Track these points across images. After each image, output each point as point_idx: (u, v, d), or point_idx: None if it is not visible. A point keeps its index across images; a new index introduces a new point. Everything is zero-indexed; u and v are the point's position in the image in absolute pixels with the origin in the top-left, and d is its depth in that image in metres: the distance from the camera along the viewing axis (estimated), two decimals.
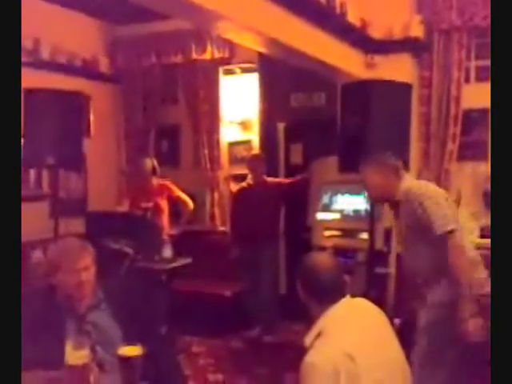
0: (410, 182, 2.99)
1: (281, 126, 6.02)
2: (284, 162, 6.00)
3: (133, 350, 1.88)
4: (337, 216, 5.00)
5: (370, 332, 2.12)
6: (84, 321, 2.23)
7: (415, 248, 2.92)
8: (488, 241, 4.76)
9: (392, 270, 4.38)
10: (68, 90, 4.00)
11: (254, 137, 6.04)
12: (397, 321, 3.86)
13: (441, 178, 5.00)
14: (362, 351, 1.97)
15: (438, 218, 2.72)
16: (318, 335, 2.06)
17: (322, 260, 2.23)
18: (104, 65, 6.20)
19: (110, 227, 4.55)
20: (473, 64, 5.10)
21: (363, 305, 2.24)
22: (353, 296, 2.22)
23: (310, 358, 1.98)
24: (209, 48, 5.93)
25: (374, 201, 3.34)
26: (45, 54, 5.36)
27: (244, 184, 5.38)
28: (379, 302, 2.74)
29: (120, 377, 1.90)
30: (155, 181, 5.33)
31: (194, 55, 5.98)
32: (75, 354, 1.82)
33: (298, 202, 5.47)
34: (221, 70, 6.09)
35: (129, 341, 1.98)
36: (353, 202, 4.96)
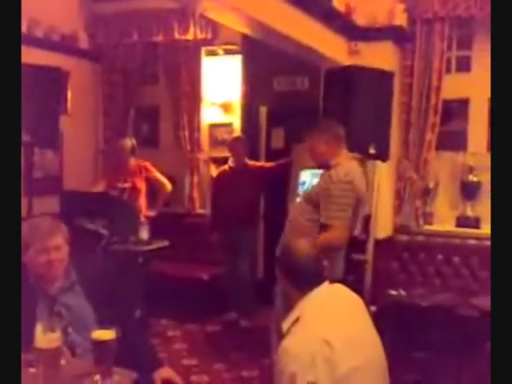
0: (341, 160, 3.27)
1: (263, 110, 5.98)
2: (265, 146, 5.97)
3: (106, 334, 1.85)
4: None
5: (348, 318, 2.13)
6: (56, 302, 2.19)
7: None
8: (463, 230, 4.87)
9: (369, 256, 4.40)
10: (45, 65, 3.91)
11: (235, 119, 5.99)
12: (373, 307, 3.90)
13: (419, 167, 5.04)
14: (339, 337, 1.97)
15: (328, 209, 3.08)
16: (296, 321, 2.06)
17: (302, 246, 2.22)
18: (83, 41, 6.07)
19: (86, 207, 4.48)
20: (454, 54, 5.10)
21: (341, 291, 2.24)
22: (331, 282, 2.22)
23: (287, 343, 1.98)
24: (191, 28, 5.82)
25: (316, 167, 3.50)
26: (22, 28, 5.22)
27: (225, 167, 5.34)
28: (356, 288, 2.77)
29: (93, 361, 1.87)
30: (133, 161, 5.26)
31: (177, 35, 5.86)
32: (46, 337, 1.78)
33: (279, 186, 5.45)
34: (203, 50, 6.00)
35: (102, 324, 1.95)
36: None
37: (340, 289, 2.25)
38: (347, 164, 3.30)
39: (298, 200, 3.47)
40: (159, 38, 5.97)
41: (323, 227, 3.19)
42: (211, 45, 5.94)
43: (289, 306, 2.16)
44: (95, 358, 1.86)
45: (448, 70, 5.05)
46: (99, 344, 1.85)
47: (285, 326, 2.10)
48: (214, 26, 5.74)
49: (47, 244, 2.17)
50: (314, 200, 3.25)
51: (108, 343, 1.84)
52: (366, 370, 2.01)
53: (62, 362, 1.85)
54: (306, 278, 2.14)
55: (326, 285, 2.18)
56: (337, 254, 3.21)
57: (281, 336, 2.09)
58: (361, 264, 4.27)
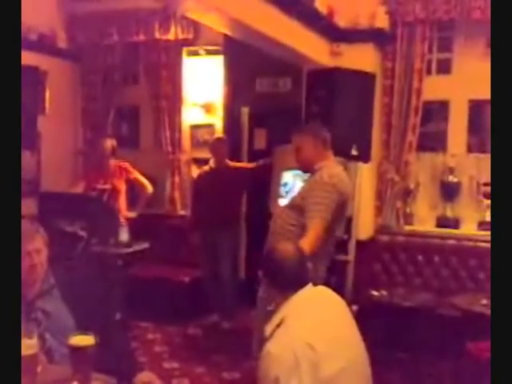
0: (327, 163, 3.23)
1: (245, 111, 5.95)
2: (247, 147, 5.95)
3: (85, 340, 1.81)
4: None
5: (331, 321, 2.12)
6: (33, 308, 2.14)
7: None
8: (443, 230, 4.90)
9: (351, 257, 4.42)
10: (23, 64, 3.84)
11: (217, 120, 5.95)
12: (354, 307, 3.91)
13: (400, 168, 5.06)
14: (323, 340, 1.97)
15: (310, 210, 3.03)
16: (279, 324, 2.04)
17: (285, 248, 2.21)
18: (62, 40, 6.00)
19: (64, 209, 4.42)
20: (435, 56, 5.14)
21: (324, 293, 2.24)
22: (314, 284, 2.21)
23: (271, 347, 1.96)
24: (173, 28, 5.79)
25: (300, 169, 3.42)
26: None
27: (206, 168, 5.30)
28: (339, 288, 2.77)
29: (71, 367, 1.83)
30: (113, 162, 5.21)
31: (157, 35, 5.83)
32: (22, 344, 1.73)
33: (260, 187, 5.43)
34: (184, 50, 5.96)
35: (81, 328, 1.91)
36: None
37: (323, 291, 2.25)
38: (332, 167, 3.27)
39: (282, 206, 3.41)
40: (140, 38, 5.92)
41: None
42: (193, 45, 5.90)
43: (271, 310, 2.14)
44: (73, 365, 1.82)
45: (429, 72, 5.09)
46: (77, 350, 1.80)
47: (268, 329, 2.08)
48: (195, 27, 5.70)
49: (28, 248, 2.13)
50: (300, 204, 3.17)
51: (86, 349, 1.80)
52: (349, 373, 2.01)
53: (39, 368, 1.80)
54: (290, 282, 2.13)
55: (309, 287, 2.17)
56: (321, 254, 3.17)
57: (263, 340, 2.07)
58: (343, 265, 4.29)
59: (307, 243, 2.87)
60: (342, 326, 2.16)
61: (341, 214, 3.28)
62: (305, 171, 3.36)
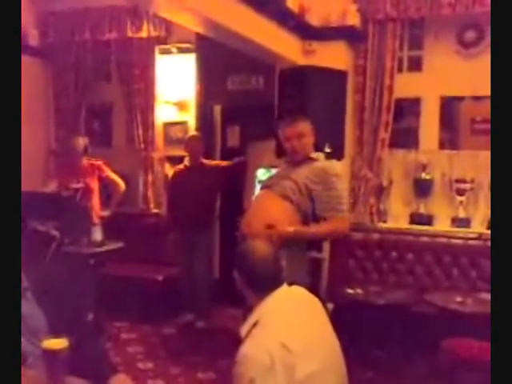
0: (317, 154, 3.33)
1: (217, 108, 5.95)
2: (220, 145, 5.95)
3: (58, 343, 1.79)
4: None
5: (306, 322, 2.12)
6: None
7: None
8: (417, 227, 4.95)
9: (325, 254, 4.43)
10: None
11: (190, 118, 5.93)
12: (330, 305, 3.91)
13: (373, 165, 5.10)
14: (298, 341, 1.96)
15: (333, 201, 3.11)
16: (255, 325, 2.04)
17: (260, 248, 2.20)
18: (33, 37, 5.91)
19: (36, 208, 4.35)
20: (406, 54, 5.18)
21: (299, 293, 2.23)
22: (289, 284, 2.20)
23: (246, 348, 1.95)
24: (145, 26, 5.75)
25: (295, 156, 3.36)
26: None
27: (181, 166, 5.27)
28: (313, 286, 2.78)
29: (45, 371, 1.81)
30: (86, 161, 5.15)
31: (130, 33, 5.79)
32: None
33: (235, 185, 5.44)
34: (157, 48, 5.92)
35: (54, 330, 1.88)
36: None
37: (298, 291, 2.23)
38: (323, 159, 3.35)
39: (265, 190, 3.33)
40: (112, 36, 5.87)
41: (319, 218, 3.17)
42: (165, 43, 5.87)
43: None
44: (47, 368, 1.80)
45: (400, 70, 5.12)
46: (50, 354, 1.78)
47: (243, 330, 2.07)
48: (167, 24, 5.67)
49: None
50: (303, 191, 3.14)
51: (60, 353, 1.78)
52: (324, 373, 2.01)
53: None
54: (265, 282, 2.11)
55: (284, 287, 2.16)
56: (299, 254, 3.17)
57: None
58: (317, 262, 4.30)
59: (335, 230, 3.17)
60: (317, 326, 2.15)
61: None
62: (298, 159, 3.33)
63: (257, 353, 1.91)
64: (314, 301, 2.23)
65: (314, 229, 3.15)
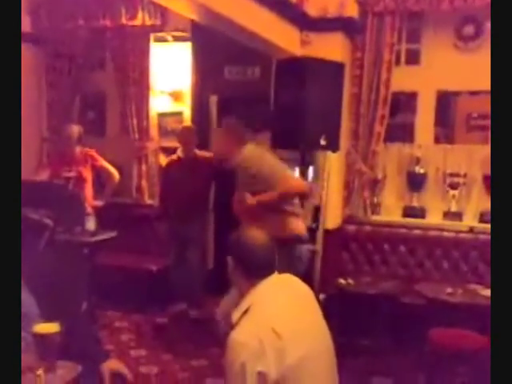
0: (246, 151, 3.66)
1: (213, 99, 5.90)
2: None
3: (49, 327, 1.78)
4: None
5: (296, 309, 2.13)
6: None
7: None
8: (409, 220, 4.97)
9: (319, 246, 4.44)
10: None
11: (185, 108, 5.89)
12: (322, 296, 3.94)
13: (368, 158, 5.09)
14: (289, 327, 1.98)
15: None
16: (246, 312, 2.04)
17: (255, 236, 2.20)
18: (26, 24, 5.84)
19: (29, 197, 4.30)
20: (403, 47, 5.16)
21: (290, 281, 2.25)
22: (280, 272, 2.21)
23: (236, 334, 1.97)
24: (140, 13, 5.69)
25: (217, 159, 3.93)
26: None
27: (174, 157, 5.24)
28: (307, 277, 2.78)
29: (36, 355, 1.79)
30: (79, 150, 5.12)
31: (124, 20, 5.71)
32: None
33: (229, 176, 5.40)
34: (152, 37, 5.86)
35: (47, 318, 1.87)
36: None
37: (289, 279, 2.26)
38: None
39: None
40: (106, 23, 5.80)
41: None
42: (160, 31, 5.81)
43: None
44: (38, 352, 1.79)
45: (397, 63, 5.10)
46: (42, 337, 1.77)
47: (234, 316, 2.08)
48: (163, 12, 5.61)
49: None
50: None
51: (51, 336, 1.77)
52: (314, 360, 2.03)
53: None
54: (258, 268, 2.13)
55: (275, 275, 2.17)
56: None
57: (230, 326, 2.07)
58: (311, 254, 4.29)
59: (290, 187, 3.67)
60: (308, 313, 2.17)
61: None
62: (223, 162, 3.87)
63: (247, 338, 1.92)
64: (304, 288, 2.26)
65: (268, 195, 3.55)
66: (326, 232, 4.65)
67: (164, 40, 5.83)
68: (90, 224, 4.72)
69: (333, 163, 4.77)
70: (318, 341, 2.12)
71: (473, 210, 4.90)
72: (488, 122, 4.63)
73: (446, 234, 4.82)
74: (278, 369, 1.91)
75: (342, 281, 4.44)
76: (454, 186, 4.91)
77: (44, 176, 5.07)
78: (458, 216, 4.93)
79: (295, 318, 2.07)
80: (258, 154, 3.68)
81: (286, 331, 1.95)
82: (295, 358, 1.94)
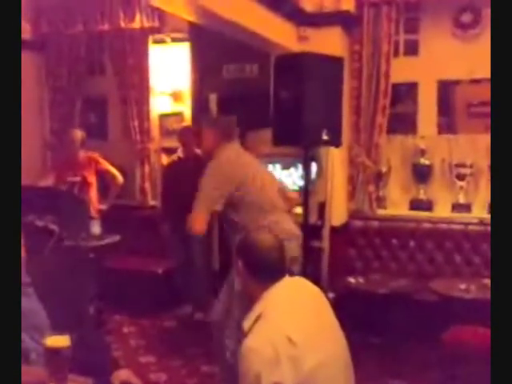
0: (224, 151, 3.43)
1: (213, 98, 5.88)
2: None
3: (61, 341, 1.77)
4: None
5: (310, 314, 2.08)
6: None
7: None
8: (417, 213, 4.93)
9: (325, 243, 4.41)
10: None
11: (185, 108, 5.89)
12: (331, 295, 3.90)
13: (371, 152, 5.05)
14: (303, 333, 1.93)
15: None
16: (258, 318, 2.01)
17: (264, 238, 2.18)
18: (26, 31, 5.88)
19: (34, 203, 4.33)
20: (402, 38, 5.12)
21: (302, 285, 2.20)
22: (291, 275, 2.18)
23: (250, 341, 1.92)
24: (138, 16, 5.71)
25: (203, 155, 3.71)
26: None
27: (174, 157, 5.24)
28: (314, 276, 2.77)
29: (47, 368, 1.79)
30: (83, 154, 5.13)
31: (122, 24, 5.74)
32: None
33: None
34: (150, 39, 5.88)
35: (56, 326, 1.87)
36: (286, 176, 4.94)
37: (301, 282, 2.21)
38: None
39: None
40: (105, 27, 5.82)
41: None
42: (158, 33, 5.82)
43: (247, 303, 2.11)
44: (49, 366, 1.78)
45: (396, 54, 5.06)
46: (53, 351, 1.76)
47: (246, 324, 2.03)
48: (160, 14, 5.63)
49: None
50: None
51: (62, 350, 1.76)
52: (331, 366, 1.99)
53: None
54: (270, 271, 2.09)
55: (286, 278, 2.13)
56: None
57: (243, 334, 2.03)
58: (317, 251, 4.28)
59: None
60: (322, 317, 2.12)
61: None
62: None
63: (262, 346, 1.88)
64: (316, 291, 2.21)
65: None
66: (332, 228, 4.63)
67: (162, 41, 5.85)
68: (95, 228, 4.72)
69: (336, 158, 4.75)
70: (334, 345, 2.08)
71: (481, 201, 4.82)
72: (488, 109, 4.60)
73: (455, 226, 4.74)
74: (294, 378, 1.86)
75: (351, 279, 4.38)
76: (461, 177, 4.85)
77: (49, 181, 5.09)
78: (466, 208, 4.85)
79: (309, 323, 2.02)
80: (224, 159, 3.46)
81: (302, 338, 1.90)
82: (312, 366, 1.90)
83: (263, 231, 2.28)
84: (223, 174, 3.33)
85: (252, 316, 2.03)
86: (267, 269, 2.09)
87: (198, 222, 3.35)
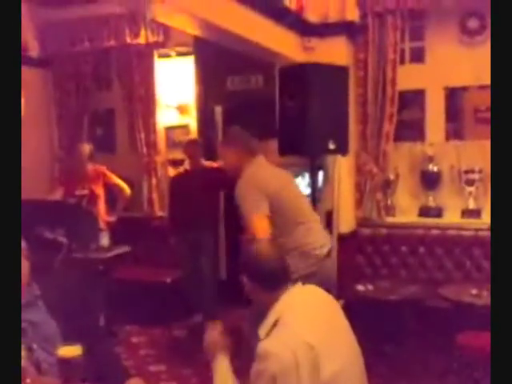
0: (251, 167, 3.37)
1: (218, 110, 5.93)
2: None
3: (73, 351, 1.78)
4: None
5: (326, 320, 2.07)
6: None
7: None
8: (426, 220, 4.91)
9: (334, 252, 4.40)
10: None
11: (191, 121, 5.94)
12: (341, 302, 3.88)
13: (379, 159, 5.04)
14: (321, 340, 1.91)
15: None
16: (274, 324, 1.98)
17: (261, 248, 2.18)
18: (34, 49, 5.99)
19: (44, 216, 4.37)
20: (407, 45, 5.13)
21: (314, 291, 2.19)
22: (303, 283, 2.18)
23: (269, 346, 1.89)
24: (143, 32, 5.79)
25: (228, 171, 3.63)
26: None
27: (181, 169, 5.28)
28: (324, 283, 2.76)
29: (60, 378, 1.80)
30: (90, 167, 5.17)
31: (128, 39, 5.82)
32: None
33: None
34: (156, 53, 5.94)
35: (66, 336, 1.88)
36: None
37: (313, 289, 2.19)
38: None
39: None
40: (111, 44, 5.90)
41: None
42: (163, 47, 5.89)
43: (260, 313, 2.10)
44: (62, 376, 1.79)
45: (402, 61, 5.06)
46: (65, 361, 1.77)
47: (263, 331, 2.01)
48: (165, 29, 5.69)
49: None
50: None
51: (74, 360, 1.77)
52: (348, 372, 1.97)
53: (28, 381, 1.77)
54: (274, 280, 2.08)
55: (298, 285, 2.13)
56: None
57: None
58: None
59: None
60: (336, 324, 2.11)
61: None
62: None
63: (280, 351, 1.85)
64: (329, 298, 2.19)
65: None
66: (340, 236, 4.62)
67: (168, 56, 5.92)
68: (104, 240, 4.76)
69: (343, 166, 4.75)
70: (349, 351, 2.06)
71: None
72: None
73: (465, 232, 4.70)
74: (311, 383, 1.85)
75: (360, 287, 4.35)
76: (470, 183, 4.82)
77: (58, 195, 5.14)
78: (476, 213, 4.81)
79: (326, 330, 2.00)
80: (252, 175, 3.38)
81: (319, 344, 1.88)
82: (330, 373, 1.88)
83: (259, 241, 2.27)
84: (258, 187, 3.27)
85: (268, 322, 2.00)
86: (270, 277, 2.08)
87: (260, 225, 3.18)
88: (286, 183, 3.50)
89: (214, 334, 2.14)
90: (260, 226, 3.15)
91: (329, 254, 3.33)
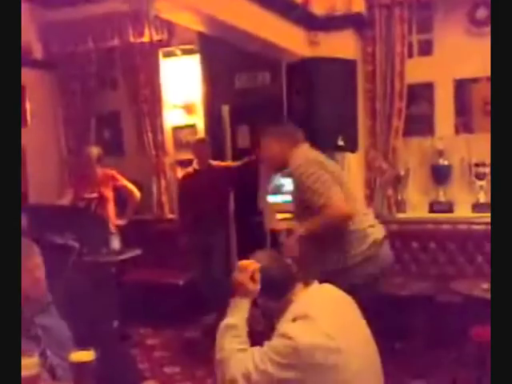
0: (302, 153, 3.21)
1: (225, 108, 5.89)
2: (231, 145, 5.88)
3: (85, 355, 1.76)
4: (288, 198, 4.93)
5: (346, 318, 2.04)
6: (31, 325, 2.07)
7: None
8: (437, 215, 4.85)
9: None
10: None
11: (198, 120, 5.89)
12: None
13: (388, 155, 4.98)
14: (345, 338, 1.89)
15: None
16: (294, 320, 1.93)
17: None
18: (38, 51, 5.96)
19: (54, 221, 4.36)
20: (415, 38, 5.06)
21: (333, 291, 2.16)
22: (320, 282, 2.15)
23: (306, 338, 1.83)
24: (146, 30, 5.74)
25: (271, 171, 3.60)
26: None
27: (189, 169, 5.24)
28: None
29: (74, 383, 1.78)
30: (99, 170, 5.15)
31: (132, 38, 5.77)
32: (23, 363, 1.66)
33: (248, 185, 5.38)
34: (160, 52, 5.89)
35: (79, 341, 1.86)
36: None
37: (332, 288, 2.16)
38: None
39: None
40: (115, 43, 5.86)
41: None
42: (168, 46, 5.84)
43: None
44: (76, 381, 1.77)
45: (410, 55, 5.00)
46: (78, 366, 1.75)
47: (283, 326, 1.96)
48: (169, 27, 5.65)
49: (28, 264, 2.04)
50: (298, 196, 3.21)
51: (87, 364, 1.75)
52: (368, 370, 1.96)
53: None
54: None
55: (317, 285, 2.11)
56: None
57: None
58: None
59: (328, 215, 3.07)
60: (355, 323, 2.08)
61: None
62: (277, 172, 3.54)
63: (323, 341, 1.83)
64: (346, 296, 2.16)
65: (313, 222, 3.09)
66: None
67: (173, 54, 5.86)
68: (115, 243, 4.73)
69: (352, 162, 4.71)
70: (368, 349, 2.04)
71: None
72: None
73: (476, 227, 4.64)
74: (334, 382, 1.82)
75: None
76: (480, 177, 4.75)
77: (67, 199, 5.13)
78: (487, 207, 4.71)
79: (346, 327, 1.98)
80: (313, 158, 3.22)
81: (343, 342, 1.86)
82: (353, 372, 1.86)
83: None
84: (325, 170, 3.12)
85: (286, 319, 1.96)
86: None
87: (343, 206, 3.04)
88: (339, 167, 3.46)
89: (249, 272, 2.09)
90: (344, 204, 3.03)
91: (384, 239, 3.26)
